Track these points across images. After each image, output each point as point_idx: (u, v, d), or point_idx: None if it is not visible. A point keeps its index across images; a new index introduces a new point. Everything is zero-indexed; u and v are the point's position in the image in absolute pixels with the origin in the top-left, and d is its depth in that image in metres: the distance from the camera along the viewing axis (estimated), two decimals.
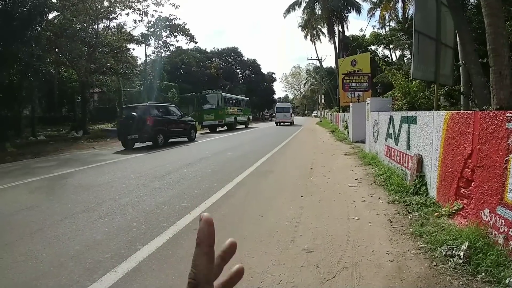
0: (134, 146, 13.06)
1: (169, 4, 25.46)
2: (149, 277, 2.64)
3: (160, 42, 27.41)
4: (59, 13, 19.06)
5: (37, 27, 16.53)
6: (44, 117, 25.47)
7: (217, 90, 26.58)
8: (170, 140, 14.71)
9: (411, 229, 3.35)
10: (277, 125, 31.99)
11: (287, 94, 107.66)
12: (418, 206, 3.96)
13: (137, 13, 24.12)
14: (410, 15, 24.53)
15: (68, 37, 18.69)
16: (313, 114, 77.17)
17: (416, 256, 2.81)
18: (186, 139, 15.63)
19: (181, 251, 3.09)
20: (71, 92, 26.43)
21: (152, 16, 25.15)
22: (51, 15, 18.63)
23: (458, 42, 8.90)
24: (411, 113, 5.18)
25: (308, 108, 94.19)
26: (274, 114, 39.01)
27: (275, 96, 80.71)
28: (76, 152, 12.42)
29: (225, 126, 25.60)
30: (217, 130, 25.13)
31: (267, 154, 10.03)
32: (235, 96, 32.09)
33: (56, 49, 19.71)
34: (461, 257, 2.62)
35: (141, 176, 7.00)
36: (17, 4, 14.72)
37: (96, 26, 21.99)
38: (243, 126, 29.72)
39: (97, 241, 3.42)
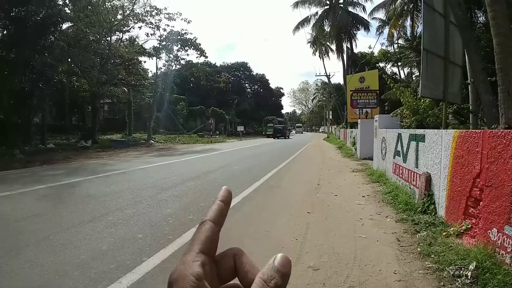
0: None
1: (181, 19, 25.99)
2: None
3: (171, 55, 27.89)
4: (72, 24, 19.56)
5: (51, 37, 16.94)
6: (54, 125, 25.80)
7: (272, 116, 50.57)
8: (179, 152, 14.67)
9: (419, 249, 3.30)
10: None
11: (294, 109, 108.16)
12: (427, 225, 3.91)
13: (150, 27, 24.79)
14: (418, 33, 24.63)
15: (81, 47, 19.10)
16: (320, 130, 77.17)
17: (423, 276, 2.76)
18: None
19: None
20: (82, 101, 26.82)
21: (164, 30, 25.74)
22: (64, 26, 19.18)
23: (466, 61, 8.90)
24: (419, 131, 5.17)
25: (315, 123, 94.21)
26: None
27: (283, 111, 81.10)
28: (85, 161, 12.53)
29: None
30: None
31: (274, 169, 10.02)
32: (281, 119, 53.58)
33: (69, 59, 20.10)
34: (469, 277, 2.57)
35: (148, 187, 7.02)
36: (31, 12, 15.11)
37: (109, 38, 22.54)
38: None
39: (103, 251, 3.42)
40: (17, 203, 5.79)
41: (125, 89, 25.63)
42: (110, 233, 4.00)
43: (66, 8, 18.48)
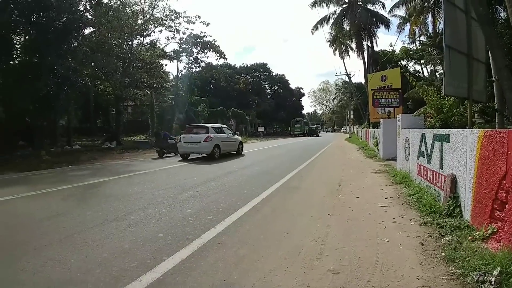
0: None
1: (200, 22, 26.29)
2: None
3: (191, 58, 28.32)
4: (94, 29, 20.11)
5: (73, 42, 17.44)
6: (79, 127, 26.62)
7: (299, 118, 60.66)
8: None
9: (443, 253, 3.19)
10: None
11: (315, 109, 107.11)
12: (452, 229, 3.77)
13: (170, 31, 25.31)
14: (440, 30, 23.96)
15: (103, 52, 19.60)
16: (342, 130, 76.10)
17: (447, 282, 2.67)
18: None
19: (205, 265, 3.09)
20: (106, 104, 27.57)
21: (184, 33, 26.22)
22: (87, 31, 19.69)
23: (490, 57, 8.58)
24: (443, 131, 5.00)
25: (337, 124, 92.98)
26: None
27: (304, 111, 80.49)
28: (109, 162, 12.87)
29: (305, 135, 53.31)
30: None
31: (294, 170, 9.96)
32: (306, 121, 66.36)
33: (92, 64, 20.65)
34: (492, 283, 2.48)
35: (169, 187, 7.13)
36: (52, 18, 15.59)
37: (130, 42, 23.08)
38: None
39: (125, 249, 3.49)
40: (43, 202, 6.01)
41: (148, 92, 26.17)
42: (132, 232, 4.08)
43: (88, 14, 19.03)
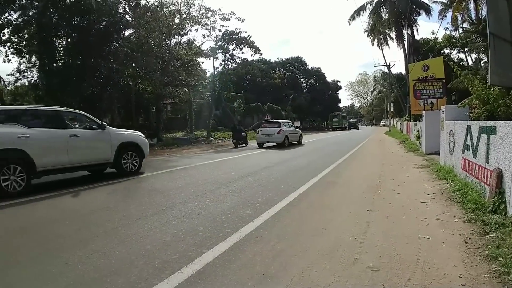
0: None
1: (235, 18, 26.43)
2: (212, 280, 2.75)
3: (227, 55, 28.52)
4: (134, 31, 20.89)
5: (115, 43, 18.27)
6: (122, 125, 27.57)
7: (337, 112, 61.34)
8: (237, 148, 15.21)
9: (486, 251, 3.06)
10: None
11: (353, 103, 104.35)
12: (496, 225, 3.59)
13: (206, 28, 25.75)
14: (483, 16, 22.40)
15: (143, 52, 20.29)
16: (381, 123, 73.50)
17: (489, 280, 2.58)
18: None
19: (244, 258, 3.17)
20: (147, 103, 28.57)
21: (220, 30, 26.49)
22: (127, 32, 20.51)
23: None
24: (490, 123, 4.73)
25: (375, 117, 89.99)
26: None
27: (340, 105, 78.74)
28: (150, 158, 13.35)
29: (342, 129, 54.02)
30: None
31: (332, 164, 9.84)
32: (344, 114, 65.96)
33: (133, 64, 21.46)
34: None
35: (208, 182, 7.32)
36: (93, 21, 16.41)
37: (168, 42, 23.75)
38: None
39: (167, 242, 3.66)
40: (89, 197, 6.41)
41: (186, 90, 26.82)
42: (173, 225, 4.26)
43: (127, 16, 19.84)
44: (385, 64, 41.85)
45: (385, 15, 32.46)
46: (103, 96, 18.11)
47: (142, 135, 9.70)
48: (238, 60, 30.17)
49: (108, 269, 3.02)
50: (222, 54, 28.78)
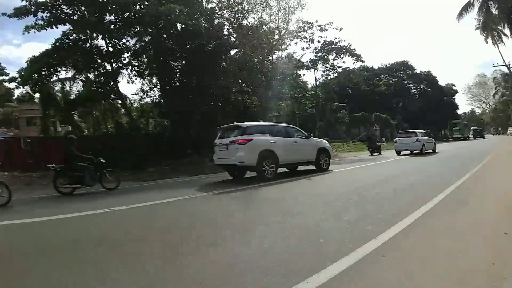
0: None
1: (333, 28, 26.21)
2: None
3: (328, 65, 28.34)
4: (239, 50, 22.35)
5: (223, 63, 19.84)
6: None
7: (457, 120, 56.48)
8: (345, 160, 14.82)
9: None
10: None
11: (473, 108, 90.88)
12: None
13: (304, 41, 26.19)
14: None
15: (248, 69, 21.40)
16: (508, 132, 62.49)
17: None
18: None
19: (370, 275, 2.99)
20: (255, 116, 30.16)
21: (318, 41, 26.64)
22: (232, 52, 22.11)
23: None
24: None
25: (500, 124, 76.90)
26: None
27: (458, 111, 69.89)
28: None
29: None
30: None
31: (457, 180, 8.61)
32: (465, 122, 60.85)
33: (240, 80, 22.79)
34: None
35: (319, 195, 7.32)
36: (203, 44, 18.03)
37: (270, 58, 24.75)
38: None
39: (291, 250, 3.64)
40: (214, 203, 7.06)
41: (289, 102, 27.48)
42: (294, 234, 4.19)
43: (231, 37, 21.39)
44: (504, 63, 36.49)
45: (494, 11, 28.55)
46: (217, 111, 19.73)
47: (327, 142, 13.00)
48: (339, 70, 29.71)
49: (239, 267, 3.20)
50: (323, 65, 28.72)
